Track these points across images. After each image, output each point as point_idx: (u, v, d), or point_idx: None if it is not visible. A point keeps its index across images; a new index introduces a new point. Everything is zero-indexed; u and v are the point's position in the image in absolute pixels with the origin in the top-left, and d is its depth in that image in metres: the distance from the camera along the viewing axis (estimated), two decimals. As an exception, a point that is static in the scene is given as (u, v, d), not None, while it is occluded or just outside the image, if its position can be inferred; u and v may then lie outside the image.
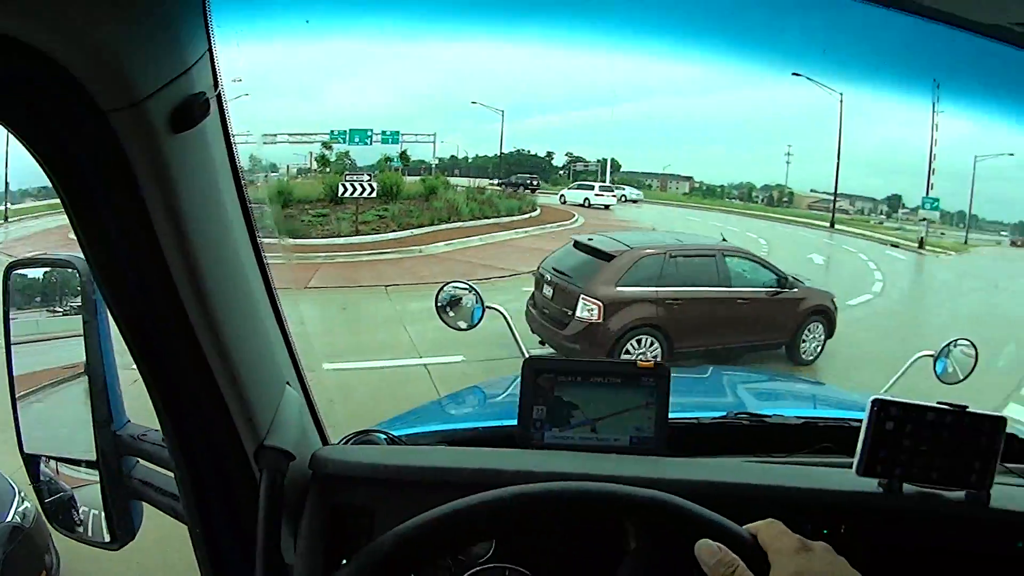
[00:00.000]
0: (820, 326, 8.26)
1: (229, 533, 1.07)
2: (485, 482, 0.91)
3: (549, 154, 29.08)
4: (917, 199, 24.86)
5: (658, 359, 6.22)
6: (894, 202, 29.25)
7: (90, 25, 0.68)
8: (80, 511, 1.25)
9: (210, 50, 0.85)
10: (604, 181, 26.19)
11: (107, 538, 1.19)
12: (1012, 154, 20.70)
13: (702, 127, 39.04)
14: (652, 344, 7.10)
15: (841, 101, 21.31)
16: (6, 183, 15.70)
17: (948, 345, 2.10)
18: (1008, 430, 1.24)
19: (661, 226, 19.22)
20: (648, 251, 7.65)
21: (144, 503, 1.20)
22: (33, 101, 0.74)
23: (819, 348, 8.23)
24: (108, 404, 1.16)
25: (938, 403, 1.21)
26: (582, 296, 6.95)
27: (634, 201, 25.71)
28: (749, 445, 1.52)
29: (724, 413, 1.66)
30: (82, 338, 1.13)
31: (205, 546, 1.07)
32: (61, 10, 0.67)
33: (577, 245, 7.98)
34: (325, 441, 1.29)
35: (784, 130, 32.85)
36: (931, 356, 2.09)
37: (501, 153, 26.71)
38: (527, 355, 1.42)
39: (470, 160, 26.54)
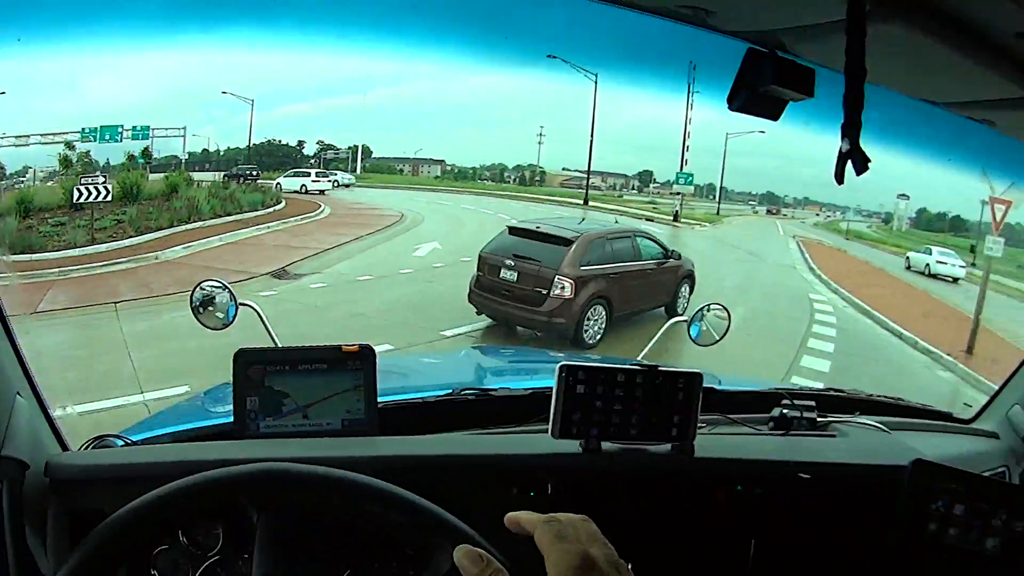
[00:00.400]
0: (687, 287, 12.19)
1: None
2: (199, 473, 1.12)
3: (300, 143, 31.24)
4: (669, 174, 29.76)
5: (604, 325, 9.57)
6: (646, 177, 36.11)
7: None
8: None
9: None
10: (356, 169, 29.37)
11: None
12: (763, 131, 25.25)
13: (455, 110, 44.59)
14: (600, 312, 10.13)
15: (596, 82, 25.54)
16: None
17: (701, 310, 2.43)
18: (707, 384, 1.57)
19: (409, 210, 22.02)
20: (595, 235, 10.67)
21: None
22: None
23: (686, 304, 11.97)
24: None
25: (633, 364, 1.54)
26: (557, 276, 9.68)
27: (346, 186, 28.66)
28: (475, 419, 1.77)
29: (450, 391, 1.91)
30: None
31: None
32: None
33: (522, 232, 10.70)
34: (65, 448, 1.46)
35: (537, 111, 38.26)
36: (685, 321, 2.43)
37: (250, 144, 28.12)
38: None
39: (222, 153, 27.80)
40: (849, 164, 0.97)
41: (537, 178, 35.99)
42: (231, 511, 1.18)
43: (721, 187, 33.97)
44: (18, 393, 1.35)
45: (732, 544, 1.63)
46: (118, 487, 1.23)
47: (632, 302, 10.71)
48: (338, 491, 1.14)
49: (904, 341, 12.82)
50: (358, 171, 30.71)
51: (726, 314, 2.50)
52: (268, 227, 18.83)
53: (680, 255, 12.15)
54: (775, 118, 1.20)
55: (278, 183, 25.32)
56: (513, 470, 1.50)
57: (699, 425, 1.71)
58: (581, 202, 28.97)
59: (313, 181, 26.30)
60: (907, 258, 24.36)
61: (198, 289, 2.18)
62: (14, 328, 1.38)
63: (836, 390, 2.34)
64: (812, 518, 1.66)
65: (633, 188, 36.93)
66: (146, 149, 22.82)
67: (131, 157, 22.00)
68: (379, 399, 1.62)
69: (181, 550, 1.27)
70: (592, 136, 28.97)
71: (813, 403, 1.98)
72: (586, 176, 31.36)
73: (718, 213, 31.76)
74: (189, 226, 17.29)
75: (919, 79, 1.24)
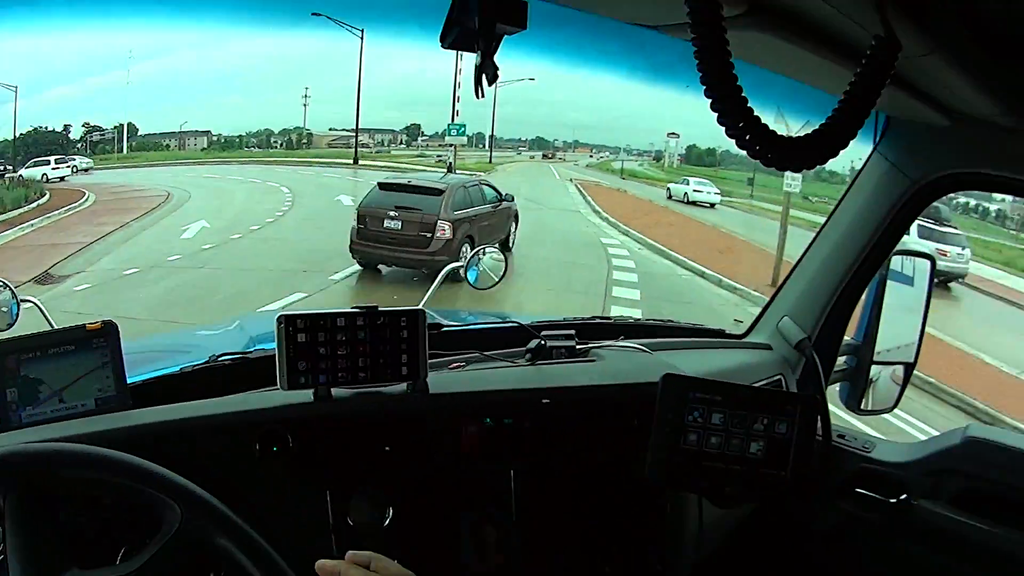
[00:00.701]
0: (515, 224, 15.11)
1: None
2: None
3: (66, 127, 30.16)
4: (437, 126, 31.86)
5: (467, 255, 12.47)
6: (414, 131, 38.04)
7: None
8: None
9: None
10: (122, 149, 28.84)
11: None
12: (533, 79, 26.77)
13: (219, 79, 44.26)
14: (468, 250, 12.15)
15: (362, 38, 26.45)
16: None
17: (476, 254, 2.42)
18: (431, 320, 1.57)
19: (176, 188, 22.47)
20: (457, 184, 13.04)
21: None
22: None
23: (515, 239, 14.96)
24: None
25: (354, 307, 1.54)
26: (439, 220, 11.85)
27: (84, 170, 28.39)
28: (235, 384, 1.72)
29: (207, 359, 1.88)
30: None
31: None
32: None
33: (395, 187, 12.74)
34: None
35: (303, 73, 38.86)
36: (461, 267, 2.38)
37: (15, 135, 27.17)
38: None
39: (-10, 147, 25.40)
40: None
41: (304, 141, 36.85)
42: None
43: (492, 136, 36.60)
44: None
45: (491, 477, 1.70)
46: None
47: (486, 239, 12.87)
48: (63, 464, 1.15)
49: (708, 280, 14.04)
50: (124, 151, 30.04)
51: (502, 256, 2.44)
52: (32, 225, 17.82)
53: (513, 197, 14.88)
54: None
55: (20, 175, 24.42)
56: (252, 427, 1.51)
57: (459, 363, 1.89)
58: (351, 161, 30.03)
59: (53, 169, 25.65)
60: (668, 189, 27.84)
61: None
62: None
63: (603, 318, 2.44)
64: (570, 442, 1.73)
65: (401, 143, 38.76)
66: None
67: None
68: (142, 376, 1.71)
69: None
70: (359, 94, 30.09)
71: (573, 332, 2.05)
72: (354, 135, 32.43)
73: (490, 161, 33.95)
74: (-45, 236, 15.81)
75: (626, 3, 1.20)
